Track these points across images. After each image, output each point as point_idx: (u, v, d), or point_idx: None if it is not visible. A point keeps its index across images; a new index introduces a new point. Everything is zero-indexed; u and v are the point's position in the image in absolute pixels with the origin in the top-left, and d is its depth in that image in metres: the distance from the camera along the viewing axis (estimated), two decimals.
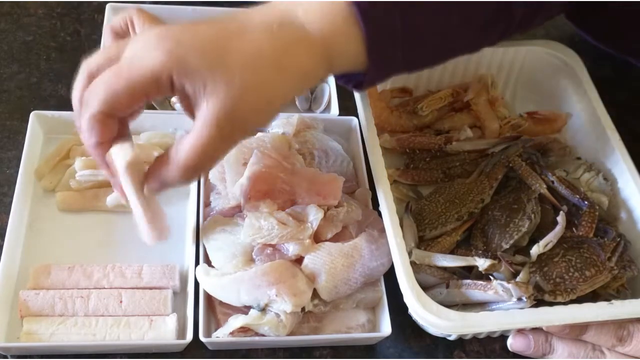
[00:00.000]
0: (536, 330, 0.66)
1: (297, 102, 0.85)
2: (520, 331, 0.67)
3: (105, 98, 0.52)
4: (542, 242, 0.68)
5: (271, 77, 0.54)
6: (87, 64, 0.56)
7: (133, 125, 0.78)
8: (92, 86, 0.53)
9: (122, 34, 0.65)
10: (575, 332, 0.65)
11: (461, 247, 0.72)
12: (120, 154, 0.57)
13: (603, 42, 0.90)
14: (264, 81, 0.54)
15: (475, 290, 0.65)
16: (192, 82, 0.52)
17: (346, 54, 0.59)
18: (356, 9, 0.56)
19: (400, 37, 0.59)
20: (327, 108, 0.85)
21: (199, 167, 0.55)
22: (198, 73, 0.51)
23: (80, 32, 0.91)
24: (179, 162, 0.54)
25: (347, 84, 0.66)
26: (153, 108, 0.82)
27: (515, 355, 0.68)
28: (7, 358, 0.64)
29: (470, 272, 0.69)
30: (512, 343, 0.67)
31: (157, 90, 0.53)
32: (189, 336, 0.64)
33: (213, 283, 0.64)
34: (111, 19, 0.88)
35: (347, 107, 0.82)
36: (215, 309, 0.66)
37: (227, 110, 0.52)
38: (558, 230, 0.70)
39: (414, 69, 0.70)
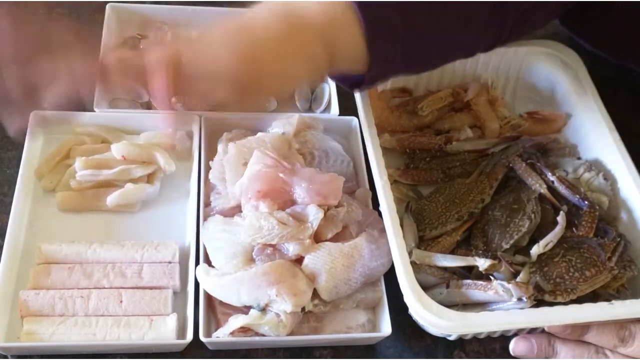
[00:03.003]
0: (538, 333, 0.66)
1: (297, 102, 0.85)
2: (522, 335, 0.66)
3: None
4: (542, 242, 0.68)
5: (272, 69, 0.61)
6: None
7: (133, 125, 0.79)
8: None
9: None
10: (577, 333, 0.65)
11: (461, 247, 0.72)
12: None
13: (600, 48, 0.91)
14: (263, 76, 0.61)
15: (475, 290, 0.65)
16: None
17: (346, 49, 0.61)
18: (356, 7, 0.58)
19: (400, 35, 0.61)
20: (327, 108, 0.85)
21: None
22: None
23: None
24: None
25: (346, 84, 0.67)
26: (153, 108, 0.82)
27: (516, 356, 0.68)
28: (7, 358, 0.64)
29: (470, 272, 0.69)
30: (514, 348, 0.66)
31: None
32: (189, 336, 0.64)
33: (213, 283, 0.64)
34: (111, 19, 0.88)
35: (347, 107, 0.81)
36: (215, 309, 0.66)
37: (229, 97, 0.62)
38: (558, 230, 0.70)
39: (412, 70, 0.72)
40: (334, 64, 0.63)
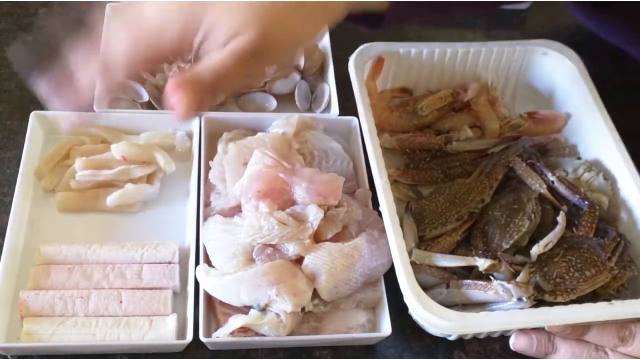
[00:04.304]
0: (539, 329, 0.66)
1: (297, 102, 0.85)
2: (523, 330, 0.66)
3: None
4: (542, 242, 0.68)
5: (293, 19, 0.57)
6: None
7: (133, 125, 0.79)
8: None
9: None
10: (577, 332, 0.65)
11: (461, 247, 0.72)
12: None
13: (603, 29, 0.90)
14: (286, 23, 0.57)
15: (475, 290, 0.65)
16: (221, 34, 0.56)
17: None
18: None
19: None
20: (327, 108, 0.85)
21: (214, 84, 0.57)
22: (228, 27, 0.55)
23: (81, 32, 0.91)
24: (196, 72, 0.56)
25: (363, 24, 0.66)
26: (153, 108, 0.82)
27: (516, 355, 0.68)
28: (7, 358, 0.64)
29: (470, 272, 0.69)
30: (514, 342, 0.67)
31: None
32: (189, 336, 0.64)
33: (213, 283, 0.64)
34: (111, 19, 0.88)
35: (347, 107, 0.81)
36: (215, 309, 0.66)
37: (251, 46, 0.55)
38: (558, 230, 0.70)
39: (433, 11, 0.72)
40: (352, 5, 0.61)
